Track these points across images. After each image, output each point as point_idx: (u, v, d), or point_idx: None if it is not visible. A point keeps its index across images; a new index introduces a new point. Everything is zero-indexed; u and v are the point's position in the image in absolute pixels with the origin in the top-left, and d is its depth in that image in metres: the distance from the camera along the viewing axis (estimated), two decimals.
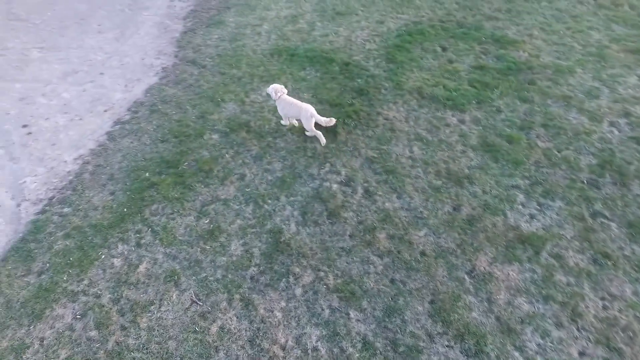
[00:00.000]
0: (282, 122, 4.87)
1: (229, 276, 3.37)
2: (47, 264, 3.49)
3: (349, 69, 5.68)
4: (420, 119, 4.83)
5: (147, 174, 4.29)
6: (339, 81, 5.48)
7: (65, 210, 3.97)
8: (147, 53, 6.56)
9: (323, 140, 4.53)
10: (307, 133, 4.63)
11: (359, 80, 5.46)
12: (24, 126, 5.12)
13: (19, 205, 4.08)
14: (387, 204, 3.89)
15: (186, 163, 4.41)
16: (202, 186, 4.14)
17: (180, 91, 5.56)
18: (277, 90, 4.56)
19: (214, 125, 4.91)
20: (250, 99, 5.30)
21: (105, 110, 5.33)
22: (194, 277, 3.37)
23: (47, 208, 4.00)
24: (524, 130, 4.60)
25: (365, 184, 4.10)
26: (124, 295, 3.26)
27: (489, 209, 3.78)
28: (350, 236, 3.66)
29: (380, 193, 4.00)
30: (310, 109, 4.45)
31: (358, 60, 5.86)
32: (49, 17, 7.72)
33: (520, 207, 3.80)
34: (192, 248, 3.59)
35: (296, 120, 4.75)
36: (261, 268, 3.43)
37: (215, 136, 4.75)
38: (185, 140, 4.71)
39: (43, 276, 3.40)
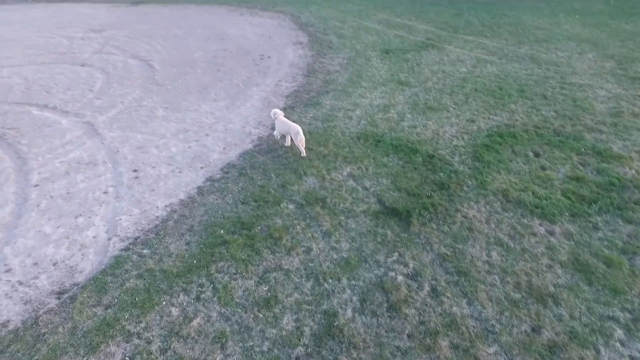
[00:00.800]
0: (278, 139, 6.45)
1: (275, 351, 3.25)
2: (116, 300, 3.72)
3: (433, 162, 5.66)
4: (503, 223, 4.51)
5: (222, 231, 4.53)
6: (420, 172, 5.47)
7: (145, 251, 4.30)
8: (248, 122, 7.31)
9: (303, 152, 5.95)
10: (286, 144, 6.25)
11: (441, 174, 5.39)
12: (134, 170, 5.87)
13: (109, 239, 4.54)
14: (454, 309, 3.55)
15: (259, 227, 4.58)
16: (269, 252, 4.23)
17: (269, 160, 6.00)
18: (276, 112, 6.28)
19: (292, 195, 5.12)
20: (331, 176, 5.49)
21: (202, 167, 5.91)
22: (240, 344, 3.31)
23: (130, 246, 4.39)
24: (626, 254, 4.03)
25: (433, 282, 3.82)
26: (172, 346, 3.29)
27: (576, 339, 3.23)
28: (408, 336, 3.35)
29: (448, 295, 3.68)
30: (297, 127, 5.89)
31: (443, 155, 5.84)
32: (179, 84, 9.16)
33: (618, 344, 3.19)
34: (245, 313, 3.58)
35: (287, 137, 6.20)
36: (309, 350, 3.26)
37: (291, 206, 4.93)
38: (263, 205, 4.95)
39: (109, 310, 3.62)
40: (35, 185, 5.59)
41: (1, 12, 19.39)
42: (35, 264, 4.24)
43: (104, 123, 7.44)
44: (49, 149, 6.56)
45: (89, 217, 4.91)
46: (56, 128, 7.34)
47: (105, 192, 5.39)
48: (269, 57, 10.79)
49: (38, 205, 5.16)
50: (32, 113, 8.00)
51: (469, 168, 5.51)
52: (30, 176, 5.83)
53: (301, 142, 5.87)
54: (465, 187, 5.12)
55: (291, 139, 6.10)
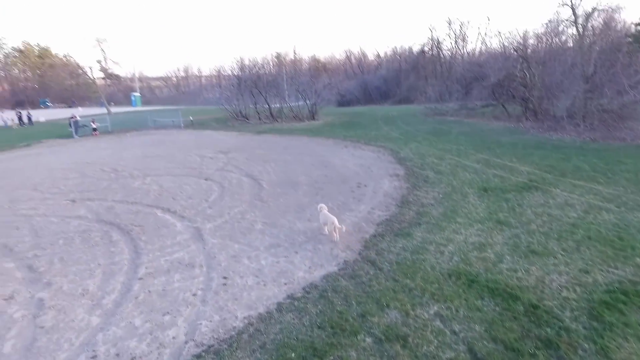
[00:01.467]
0: (323, 232, 7.97)
1: None
2: None
3: (537, 313, 4.92)
4: None
5: (292, 355, 4.31)
6: (521, 323, 4.75)
7: None
8: (336, 244, 7.43)
9: (337, 238, 7.51)
10: (325, 233, 7.87)
11: (548, 329, 4.60)
12: (224, 277, 6.19)
13: (186, 342, 4.63)
14: None
15: (332, 358, 4.27)
16: None
17: (352, 285, 5.84)
18: (322, 207, 8.08)
19: (371, 327, 4.78)
20: (416, 312, 5.07)
21: (285, 283, 5.99)
22: None
23: (202, 354, 4.39)
24: None
25: None
26: None
27: None
28: None
29: None
30: (334, 218, 7.54)
31: (550, 306, 5.06)
32: (280, 203, 9.99)
33: None
34: None
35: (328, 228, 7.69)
36: None
37: (368, 339, 4.57)
38: (339, 333, 4.68)
39: None
40: (140, 279, 6.18)
41: (159, 135, 24.46)
42: (117, 354, 4.44)
43: (210, 230, 8.26)
44: (160, 247, 7.38)
45: (174, 317, 5.14)
46: (171, 229, 8.35)
47: (194, 295, 5.69)
48: (366, 185, 11.36)
49: (136, 298, 5.62)
50: (156, 214, 9.32)
51: (585, 327, 4.63)
52: (138, 269, 6.51)
53: (336, 229, 7.42)
54: (580, 351, 4.24)
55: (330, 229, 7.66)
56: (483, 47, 50.00)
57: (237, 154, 16.58)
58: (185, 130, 26.14)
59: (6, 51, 76.11)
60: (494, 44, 49.27)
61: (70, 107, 59.74)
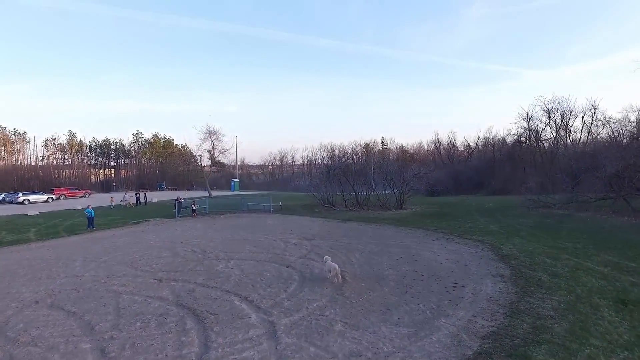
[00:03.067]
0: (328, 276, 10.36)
1: None
2: None
3: None
4: None
5: None
6: None
7: None
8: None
9: (340, 280, 10.25)
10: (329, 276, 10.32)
11: None
12: None
13: None
14: None
15: None
16: None
17: None
18: (327, 259, 10.71)
19: None
20: None
21: None
22: None
23: None
24: None
25: None
26: None
27: None
28: None
29: None
30: (335, 265, 10.43)
31: None
32: (364, 299, 8.93)
33: None
34: None
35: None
36: None
37: None
38: None
39: None
40: None
41: (249, 218, 25.50)
42: None
43: (285, 326, 7.48)
44: (231, 342, 6.76)
45: None
46: (245, 322, 7.76)
47: None
48: (463, 286, 9.81)
49: None
50: (233, 302, 8.89)
51: None
52: None
53: (337, 276, 10.21)
54: None
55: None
56: (589, 137, 45.88)
57: (321, 242, 16.13)
58: (274, 215, 26.95)
59: (140, 143, 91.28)
60: (603, 132, 45.06)
61: (187, 189, 67.32)
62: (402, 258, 12.91)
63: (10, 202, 45.01)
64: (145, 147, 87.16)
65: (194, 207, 27.34)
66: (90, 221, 21.96)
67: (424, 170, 30.24)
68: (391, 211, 26.78)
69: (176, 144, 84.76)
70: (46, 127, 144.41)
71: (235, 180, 65.41)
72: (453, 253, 13.50)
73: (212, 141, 47.64)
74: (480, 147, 71.41)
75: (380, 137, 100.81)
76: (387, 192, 29.78)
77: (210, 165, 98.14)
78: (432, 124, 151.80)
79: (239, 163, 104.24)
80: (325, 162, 32.57)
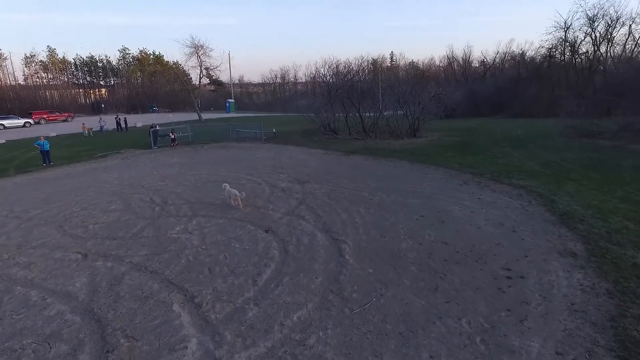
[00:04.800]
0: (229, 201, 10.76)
1: None
2: None
3: None
4: None
5: None
6: None
7: None
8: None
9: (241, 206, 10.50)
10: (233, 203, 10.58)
11: None
12: None
13: None
14: None
15: None
16: None
17: None
18: (226, 186, 11.00)
19: None
20: None
21: None
22: None
23: None
24: None
25: None
26: None
27: None
28: None
29: None
30: (236, 192, 10.56)
31: None
32: (370, 311, 5.62)
33: None
34: None
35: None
36: None
37: None
38: None
39: None
40: None
41: (236, 149, 21.87)
42: None
43: None
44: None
45: None
46: (178, 356, 4.58)
47: None
48: (522, 277, 6.48)
49: None
50: (171, 311, 5.64)
51: None
52: None
53: (236, 201, 10.59)
54: None
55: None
56: (636, 49, 39.55)
57: (317, 186, 12.66)
58: (265, 144, 23.22)
59: (128, 60, 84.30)
60: None
61: (170, 112, 62.84)
62: (423, 217, 9.50)
63: None
64: (134, 65, 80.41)
65: (172, 136, 23.60)
66: (45, 155, 18.50)
67: (443, 90, 25.60)
68: (403, 140, 22.92)
69: (167, 61, 77.69)
70: (22, 44, 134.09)
71: (230, 100, 60.52)
72: (491, 208, 10.04)
73: (198, 56, 41.93)
74: (498, 63, 64.60)
75: (390, 52, 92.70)
76: (398, 113, 25.60)
77: (207, 84, 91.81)
78: (444, 38, 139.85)
79: (237, 81, 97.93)
80: (327, 80, 27.71)
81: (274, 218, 9.71)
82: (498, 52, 66.09)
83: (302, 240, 8.26)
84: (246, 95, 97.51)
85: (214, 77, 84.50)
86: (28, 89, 70.80)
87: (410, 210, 10.01)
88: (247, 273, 6.86)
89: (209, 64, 43.23)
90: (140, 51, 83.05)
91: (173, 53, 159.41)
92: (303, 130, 29.02)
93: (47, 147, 18.48)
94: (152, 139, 22.83)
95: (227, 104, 59.69)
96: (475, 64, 69.26)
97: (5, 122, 42.06)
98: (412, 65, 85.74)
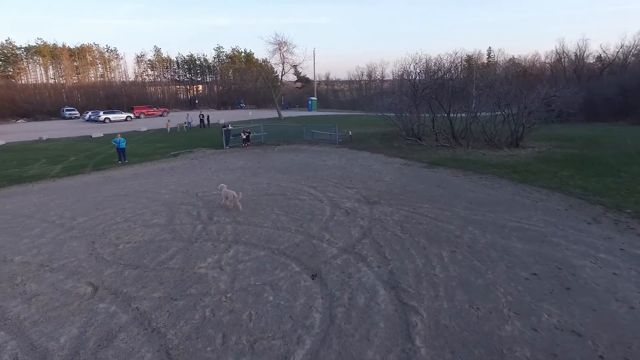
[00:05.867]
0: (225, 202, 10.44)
1: None
2: None
3: None
4: None
5: None
6: None
7: None
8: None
9: (240, 209, 10.16)
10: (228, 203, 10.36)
11: None
12: None
13: None
14: None
15: None
16: None
17: None
18: (222, 186, 10.70)
19: None
20: None
21: None
22: None
23: None
24: None
25: None
26: None
27: None
28: None
29: None
30: (234, 194, 10.20)
31: None
32: None
33: None
34: None
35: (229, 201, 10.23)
36: None
37: None
38: None
39: None
40: None
41: (306, 153, 20.16)
42: None
43: None
44: None
45: None
46: None
47: None
48: None
49: None
50: None
51: None
52: None
53: (234, 203, 10.20)
54: None
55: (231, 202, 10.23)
56: None
57: (389, 210, 10.27)
58: (338, 149, 21.17)
59: (222, 58, 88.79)
60: None
61: (250, 109, 64.28)
62: (536, 277, 6.60)
63: (95, 120, 45.81)
64: (226, 62, 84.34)
65: (244, 136, 22.74)
66: (121, 153, 18.67)
67: (559, 91, 20.99)
68: (502, 150, 19.13)
69: (256, 59, 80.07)
70: (134, 45, 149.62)
71: (312, 98, 59.66)
72: None
73: (281, 53, 41.40)
74: (619, 58, 54.49)
75: (487, 48, 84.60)
76: (495, 116, 21.76)
77: (295, 81, 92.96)
78: (551, 32, 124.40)
79: (323, 79, 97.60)
80: (413, 78, 24.73)
81: (327, 255, 7.60)
82: (622, 45, 55.63)
83: (357, 299, 6.02)
84: (331, 93, 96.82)
85: (301, 75, 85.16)
86: (136, 85, 78.04)
87: (516, 262, 7.14)
88: (270, 351, 4.85)
89: (291, 61, 42.51)
90: (233, 49, 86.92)
91: (263, 51, 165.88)
92: (382, 133, 26.43)
93: (122, 144, 18.64)
94: (224, 138, 22.21)
95: (309, 102, 58.99)
96: (591, 59, 59.41)
97: (111, 116, 46.08)
98: (513, 62, 76.96)
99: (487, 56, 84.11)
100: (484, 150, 19.43)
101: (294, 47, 41.65)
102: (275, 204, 11.03)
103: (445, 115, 22.02)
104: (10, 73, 67.71)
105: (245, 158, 19.00)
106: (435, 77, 24.74)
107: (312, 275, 6.85)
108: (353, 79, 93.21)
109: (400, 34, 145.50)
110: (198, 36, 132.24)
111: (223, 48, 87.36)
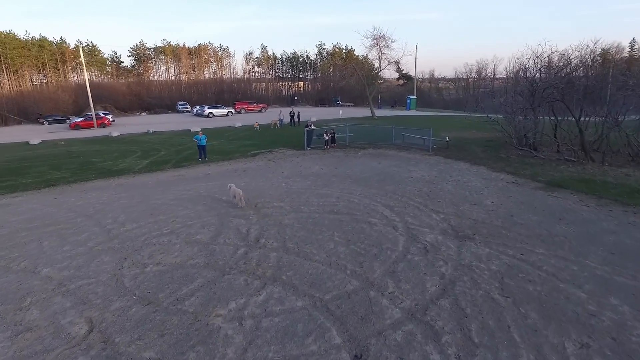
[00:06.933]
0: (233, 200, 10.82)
1: None
2: None
3: None
4: None
5: None
6: None
7: None
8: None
9: (243, 204, 10.63)
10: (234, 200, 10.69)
11: None
12: None
13: None
14: None
15: None
16: None
17: None
18: (231, 186, 10.86)
19: None
20: None
21: None
22: None
23: None
24: None
25: None
26: None
27: None
28: None
29: None
30: (240, 192, 10.65)
31: None
32: None
33: None
34: None
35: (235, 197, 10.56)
36: None
37: None
38: None
39: None
40: None
41: (392, 160, 17.71)
42: None
43: None
44: None
45: None
46: None
47: None
48: None
49: None
50: None
51: None
52: None
53: (240, 200, 10.62)
54: None
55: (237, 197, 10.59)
56: None
57: (485, 252, 7.62)
58: (430, 157, 18.26)
59: (323, 55, 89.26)
60: None
61: (340, 105, 62.77)
62: None
63: (201, 115, 48.96)
64: (327, 59, 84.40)
65: (327, 137, 21.10)
66: (202, 150, 18.51)
67: None
68: None
69: (356, 56, 78.50)
70: (243, 43, 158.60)
71: (411, 97, 55.84)
72: None
73: (379, 48, 38.86)
74: None
75: (630, 40, 70.60)
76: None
77: (397, 78, 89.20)
78: None
79: (426, 76, 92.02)
80: (532, 75, 20.45)
81: (384, 321, 5.44)
82: None
83: None
84: (435, 91, 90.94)
85: (403, 71, 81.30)
86: (242, 82, 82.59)
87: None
88: None
89: (389, 57, 39.74)
90: (334, 46, 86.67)
91: (361, 47, 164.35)
92: (487, 139, 22.54)
93: (203, 142, 18.47)
94: (306, 138, 20.90)
95: (408, 100, 55.35)
96: None
97: (215, 111, 48.75)
98: None
99: (629, 49, 70.27)
100: (627, 169, 14.82)
101: (392, 42, 38.83)
102: (338, 228, 9.08)
103: (573, 120, 17.56)
104: (141, 71, 77.08)
105: (322, 162, 17.35)
106: (561, 74, 20.06)
107: (355, 356, 4.78)
108: (460, 76, 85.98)
109: (518, 26, 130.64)
110: (302, 33, 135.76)
111: (325, 45, 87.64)
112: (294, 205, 10.92)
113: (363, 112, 46.25)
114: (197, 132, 20.06)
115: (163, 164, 17.97)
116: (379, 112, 45.43)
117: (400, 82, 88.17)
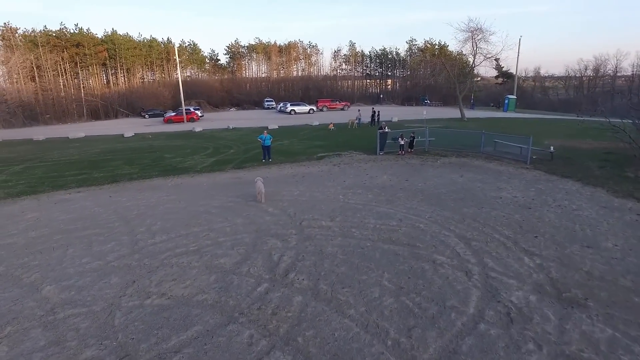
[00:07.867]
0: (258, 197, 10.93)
1: None
2: None
3: None
4: None
5: None
6: None
7: None
8: None
9: (263, 200, 10.90)
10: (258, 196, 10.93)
11: None
12: None
13: None
14: None
15: None
16: None
17: None
18: (257, 179, 11.26)
19: None
20: None
21: None
22: None
23: None
24: None
25: None
26: None
27: None
28: None
29: None
30: (262, 188, 10.94)
31: None
32: None
33: None
34: None
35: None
36: None
37: None
38: None
39: None
40: None
41: (473, 173, 14.81)
42: None
43: None
44: None
45: None
46: None
47: None
48: None
49: None
50: None
51: None
52: None
53: (260, 194, 10.95)
54: None
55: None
56: None
57: (610, 335, 5.07)
58: (529, 171, 14.90)
59: (413, 51, 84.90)
60: None
61: (425, 104, 58.32)
62: None
63: (283, 112, 49.35)
64: (417, 55, 80.00)
65: (402, 142, 18.72)
66: (266, 151, 17.59)
67: None
68: None
69: (450, 52, 72.88)
70: (332, 41, 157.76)
71: (510, 96, 49.71)
72: None
73: (474, 42, 34.63)
74: None
75: None
76: None
77: (496, 76, 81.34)
78: None
79: (530, 74, 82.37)
80: None
81: None
82: None
83: None
84: (539, 90, 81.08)
85: (503, 68, 73.88)
86: (329, 79, 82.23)
87: None
88: None
89: (486, 51, 35.27)
90: (425, 41, 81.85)
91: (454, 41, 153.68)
92: (606, 152, 18.09)
93: (268, 142, 17.53)
94: (379, 143, 18.81)
95: (506, 101, 49.39)
96: None
97: (297, 108, 48.73)
98: None
99: None
100: None
101: (490, 35, 34.27)
102: (391, 266, 7.11)
103: None
104: (234, 68, 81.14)
105: (392, 172, 15.17)
106: None
107: None
108: (572, 74, 75.13)
109: None
110: (392, 32, 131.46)
111: (415, 40, 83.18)
112: (344, 226, 9.14)
113: (452, 112, 42.16)
114: (261, 132, 19.29)
115: (226, 164, 17.44)
116: (470, 114, 41.00)
117: (499, 80, 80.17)
